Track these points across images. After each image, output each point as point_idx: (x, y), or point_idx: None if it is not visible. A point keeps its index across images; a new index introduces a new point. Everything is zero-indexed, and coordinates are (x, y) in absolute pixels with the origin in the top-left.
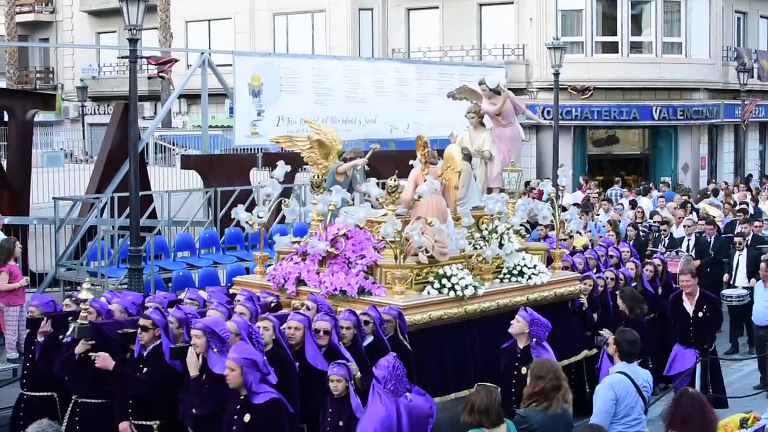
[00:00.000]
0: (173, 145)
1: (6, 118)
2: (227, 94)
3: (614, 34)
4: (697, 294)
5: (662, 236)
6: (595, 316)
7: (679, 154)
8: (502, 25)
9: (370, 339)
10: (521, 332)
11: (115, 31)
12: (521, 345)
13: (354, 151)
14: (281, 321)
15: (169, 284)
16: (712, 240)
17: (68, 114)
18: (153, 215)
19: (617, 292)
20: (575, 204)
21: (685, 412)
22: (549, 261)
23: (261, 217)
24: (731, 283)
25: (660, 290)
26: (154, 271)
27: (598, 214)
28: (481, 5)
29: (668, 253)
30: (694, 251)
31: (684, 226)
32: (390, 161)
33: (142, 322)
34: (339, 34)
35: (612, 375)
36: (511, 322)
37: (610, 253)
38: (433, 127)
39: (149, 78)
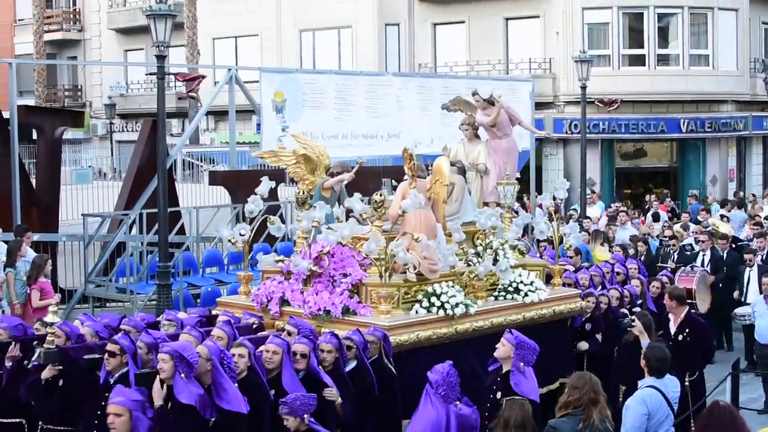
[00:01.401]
0: (201, 161)
1: (35, 136)
2: (254, 110)
3: (641, 46)
4: (682, 316)
5: (671, 251)
6: (599, 337)
7: (707, 167)
8: (529, 38)
9: (353, 364)
10: (507, 356)
11: (142, 49)
12: (504, 369)
13: (341, 166)
14: (258, 344)
15: (198, 300)
16: (725, 255)
17: (96, 131)
18: (181, 231)
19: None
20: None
21: (717, 425)
22: (549, 277)
23: (243, 235)
24: (743, 300)
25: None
26: (182, 288)
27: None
28: (507, 19)
29: (682, 268)
30: (709, 266)
31: (699, 242)
32: None
33: (109, 347)
34: (365, 50)
35: (642, 389)
36: (497, 345)
37: (616, 269)
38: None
39: (180, 98)
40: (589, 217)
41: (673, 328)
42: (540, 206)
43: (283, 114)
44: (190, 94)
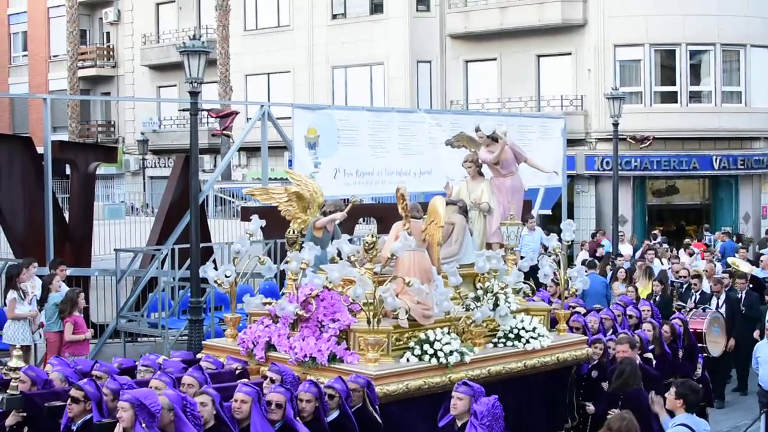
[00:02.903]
0: (233, 197)
1: (68, 171)
2: (287, 146)
3: (673, 83)
4: None
5: (692, 292)
6: (605, 385)
7: (740, 204)
8: (561, 76)
9: (335, 414)
10: (466, 409)
11: (175, 85)
12: (459, 423)
13: (334, 205)
14: (228, 392)
15: None
16: (743, 295)
17: (129, 167)
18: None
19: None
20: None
21: None
22: (555, 322)
23: (228, 276)
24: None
25: (681, 353)
26: (214, 323)
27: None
28: (539, 56)
29: (694, 310)
30: (724, 308)
31: (712, 283)
32: None
33: (73, 393)
34: (397, 87)
35: (674, 428)
36: (453, 403)
37: (628, 312)
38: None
39: (213, 135)
40: (621, 254)
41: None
42: (583, 244)
43: (316, 150)
44: (224, 132)
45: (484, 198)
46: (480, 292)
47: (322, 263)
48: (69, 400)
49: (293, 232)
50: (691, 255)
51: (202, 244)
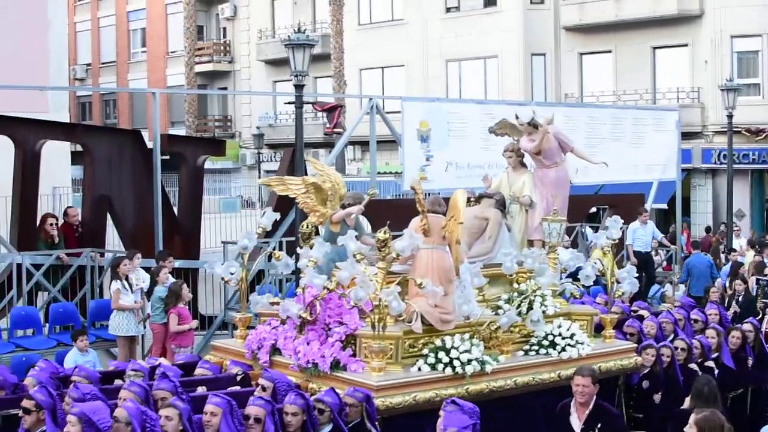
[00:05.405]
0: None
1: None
2: (396, 140)
3: None
4: (591, 406)
5: None
6: (658, 397)
7: None
8: (677, 68)
9: (327, 429)
10: None
11: (290, 80)
12: None
13: (353, 197)
14: (199, 404)
15: None
16: None
17: (245, 161)
18: None
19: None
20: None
21: None
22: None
23: (233, 273)
24: None
25: (751, 361)
26: None
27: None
28: (654, 48)
29: None
30: None
31: None
32: None
33: (24, 403)
34: (511, 80)
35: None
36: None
37: (693, 316)
38: (602, 172)
39: (325, 133)
40: (735, 249)
41: (578, 424)
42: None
43: (428, 143)
44: (335, 130)
45: (525, 191)
46: (513, 294)
47: (342, 260)
48: (21, 411)
49: (308, 226)
50: None
51: None
